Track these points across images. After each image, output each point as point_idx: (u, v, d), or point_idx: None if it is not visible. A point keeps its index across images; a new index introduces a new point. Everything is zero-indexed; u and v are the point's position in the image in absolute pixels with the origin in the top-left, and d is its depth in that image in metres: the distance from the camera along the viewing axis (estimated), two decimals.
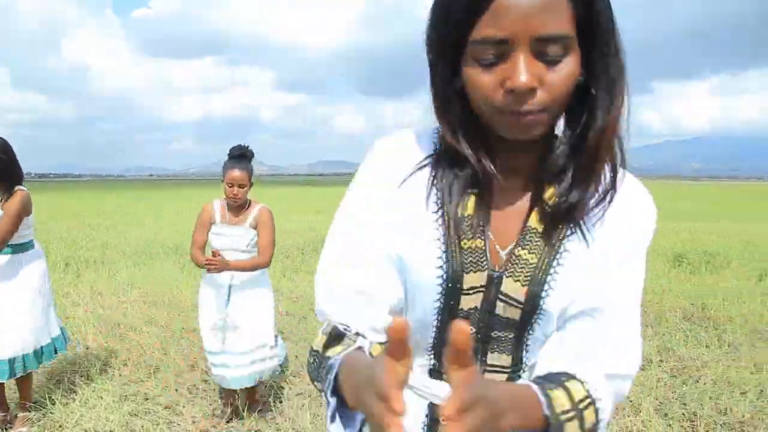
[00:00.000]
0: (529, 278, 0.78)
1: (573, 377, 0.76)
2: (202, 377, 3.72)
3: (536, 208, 0.79)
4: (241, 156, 3.04)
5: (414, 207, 0.80)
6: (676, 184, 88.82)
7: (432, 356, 0.84)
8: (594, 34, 0.68)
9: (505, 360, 0.82)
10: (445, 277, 0.78)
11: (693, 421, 3.16)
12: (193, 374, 3.79)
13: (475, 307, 0.79)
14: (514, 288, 0.78)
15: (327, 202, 24.10)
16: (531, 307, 0.78)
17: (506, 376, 0.82)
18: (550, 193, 0.78)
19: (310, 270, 7.39)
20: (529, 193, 0.81)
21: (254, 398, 3.26)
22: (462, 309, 0.79)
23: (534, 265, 0.78)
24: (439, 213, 0.79)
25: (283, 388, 3.58)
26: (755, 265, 7.74)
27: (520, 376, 0.83)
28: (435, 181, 0.80)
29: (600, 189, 0.77)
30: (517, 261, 0.78)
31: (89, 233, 11.83)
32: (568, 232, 0.78)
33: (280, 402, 3.39)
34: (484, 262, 0.78)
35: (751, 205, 25.04)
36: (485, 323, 0.80)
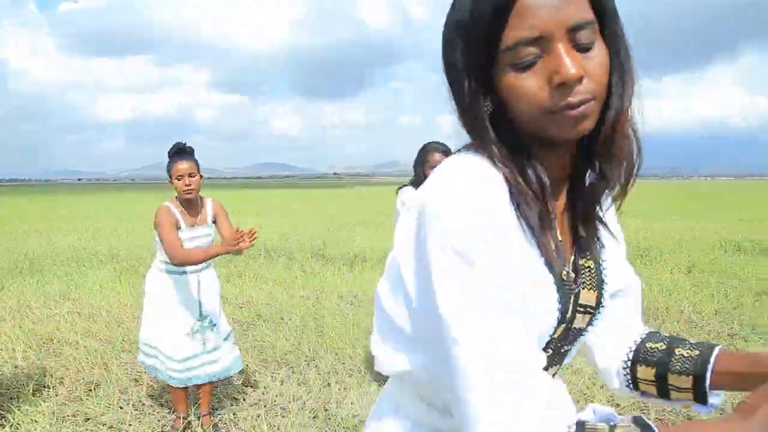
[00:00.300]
0: (595, 283, 0.81)
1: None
2: (148, 392, 3.52)
3: (577, 211, 0.79)
4: (181, 151, 2.92)
5: (523, 258, 0.70)
6: None
7: None
8: (603, 17, 0.67)
9: (553, 371, 0.83)
10: (560, 316, 0.75)
11: (643, 410, 3.25)
12: (139, 389, 3.58)
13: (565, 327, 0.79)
14: (588, 296, 0.80)
15: (267, 204, 23.73)
16: (596, 311, 0.82)
17: None
18: (584, 193, 0.78)
19: (255, 275, 7.22)
20: (566, 199, 0.80)
21: (208, 400, 3.14)
22: (554, 338, 0.78)
23: (593, 269, 0.81)
24: (537, 251, 0.71)
25: (237, 398, 3.44)
26: (684, 259, 8.16)
27: None
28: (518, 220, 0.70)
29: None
30: (582, 270, 0.81)
31: (12, 241, 11.11)
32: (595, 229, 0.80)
33: (234, 414, 3.25)
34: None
35: (678, 203, 26.42)
36: (562, 340, 0.80)
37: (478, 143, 0.72)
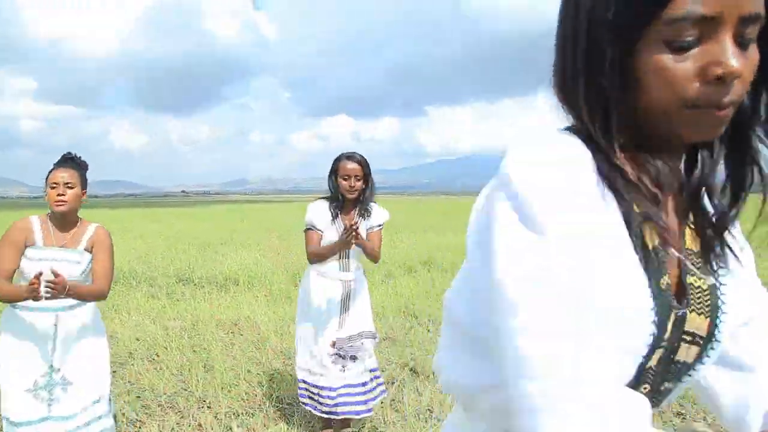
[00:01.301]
0: (708, 308, 0.68)
1: None
2: None
3: (689, 224, 0.68)
4: (66, 159, 2.47)
5: (611, 249, 0.58)
6: (456, 200, 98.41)
7: None
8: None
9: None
10: (655, 333, 0.62)
11: None
12: None
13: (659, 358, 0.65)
14: (698, 323, 0.67)
15: (115, 226, 21.62)
16: (709, 343, 0.69)
17: None
18: (701, 205, 0.68)
19: (114, 306, 6.37)
20: (677, 208, 0.68)
21: None
22: (650, 367, 0.65)
23: (705, 291, 0.68)
24: (631, 250, 0.60)
25: None
26: None
27: None
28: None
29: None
30: (691, 290, 0.66)
31: None
32: (717, 244, 0.69)
33: None
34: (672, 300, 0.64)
35: None
36: (662, 374, 0.67)
37: (590, 127, 0.61)
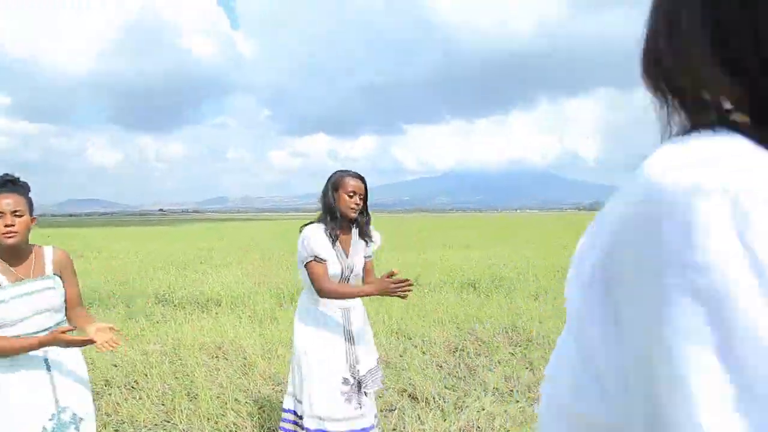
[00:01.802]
0: None
1: None
2: None
3: None
4: (6, 183, 2.15)
5: None
6: (435, 217, 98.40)
7: None
8: None
9: None
10: None
11: None
12: None
13: None
14: None
15: (90, 245, 21.04)
16: None
17: None
18: None
19: None
20: None
21: None
22: None
23: None
24: None
25: None
26: (531, 287, 8.56)
27: None
28: None
29: None
30: None
31: None
32: None
33: None
34: None
35: (505, 234, 28.61)
36: None
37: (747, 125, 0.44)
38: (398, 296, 2.46)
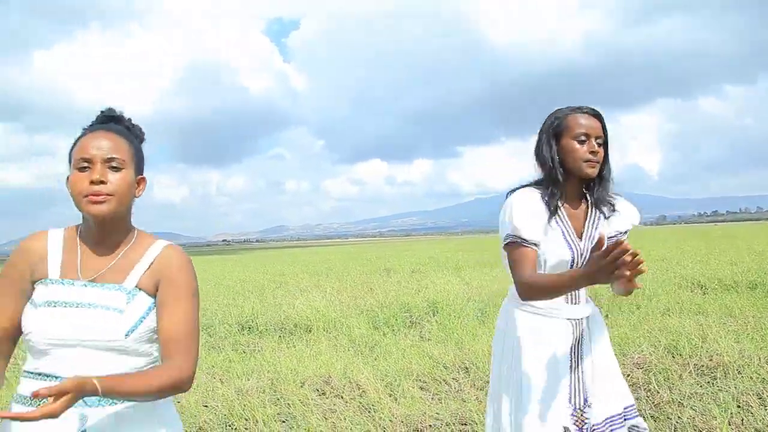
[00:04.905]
0: None
1: None
2: None
3: None
4: (105, 119, 1.35)
5: None
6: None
7: None
8: None
9: None
10: None
11: None
12: None
13: None
14: None
15: None
16: None
17: None
18: None
19: None
20: None
21: None
22: None
23: None
24: None
25: None
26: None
27: None
28: None
29: None
30: None
31: None
32: None
33: None
34: None
35: None
36: None
37: None
38: (623, 281, 1.26)
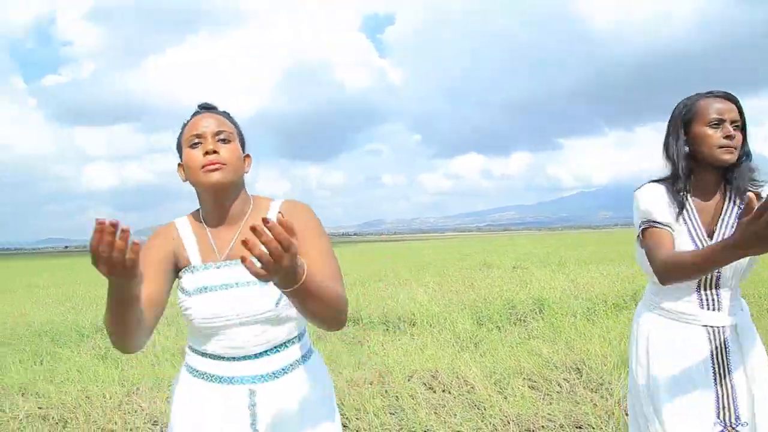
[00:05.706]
0: None
1: None
2: None
3: None
4: (203, 108, 1.42)
5: None
6: (602, 233, 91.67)
7: None
8: None
9: None
10: None
11: None
12: None
13: None
14: None
15: None
16: None
17: None
18: None
19: None
20: None
21: None
22: None
23: None
24: None
25: None
26: None
27: None
28: None
29: None
30: None
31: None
32: None
33: None
34: None
35: None
36: None
37: None
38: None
